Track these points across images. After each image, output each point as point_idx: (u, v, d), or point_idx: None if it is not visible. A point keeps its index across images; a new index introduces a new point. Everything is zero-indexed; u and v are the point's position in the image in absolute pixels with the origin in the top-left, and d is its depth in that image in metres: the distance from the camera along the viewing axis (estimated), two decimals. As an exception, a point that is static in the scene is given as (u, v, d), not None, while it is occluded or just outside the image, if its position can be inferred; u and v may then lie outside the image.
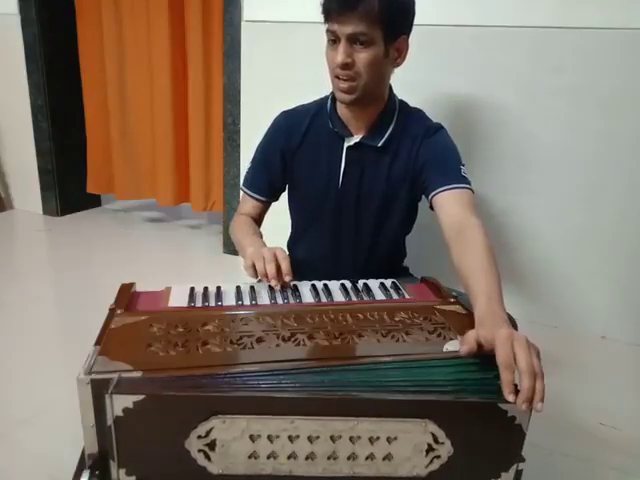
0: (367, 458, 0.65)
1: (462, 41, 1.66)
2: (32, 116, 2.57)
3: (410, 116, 1.13)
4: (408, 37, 1.04)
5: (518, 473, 0.69)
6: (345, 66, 0.98)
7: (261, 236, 1.15)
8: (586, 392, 1.43)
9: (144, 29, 2.32)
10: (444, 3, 1.65)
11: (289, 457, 0.65)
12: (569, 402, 1.36)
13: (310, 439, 0.64)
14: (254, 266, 0.93)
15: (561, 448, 1.19)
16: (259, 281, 0.95)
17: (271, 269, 0.90)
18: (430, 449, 0.65)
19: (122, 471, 0.64)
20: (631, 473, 1.13)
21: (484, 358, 0.67)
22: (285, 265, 0.91)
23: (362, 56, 0.97)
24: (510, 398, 0.61)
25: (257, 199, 1.20)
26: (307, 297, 0.89)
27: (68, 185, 2.72)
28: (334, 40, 0.99)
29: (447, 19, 1.66)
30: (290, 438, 0.63)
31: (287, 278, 0.91)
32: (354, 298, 0.89)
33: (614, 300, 1.71)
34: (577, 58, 1.57)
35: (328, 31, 0.99)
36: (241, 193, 1.25)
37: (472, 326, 0.72)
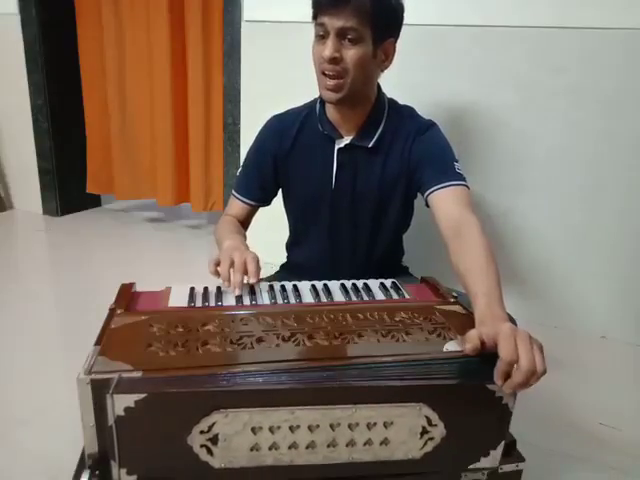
0: (365, 444, 0.66)
1: (462, 41, 1.66)
2: (32, 116, 2.57)
3: (401, 114, 1.12)
4: (395, 41, 1.04)
5: (518, 473, 0.69)
6: (333, 60, 0.97)
7: (245, 237, 1.13)
8: (586, 392, 1.43)
9: (144, 29, 2.33)
10: (444, 3, 1.65)
11: (290, 447, 0.65)
12: (569, 402, 1.36)
13: (310, 428, 0.64)
14: (218, 264, 0.90)
15: (561, 448, 1.18)
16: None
17: (237, 278, 0.87)
18: (424, 431, 0.67)
19: (123, 471, 0.64)
20: (631, 473, 1.13)
21: (485, 358, 0.67)
22: (252, 268, 0.89)
23: (351, 53, 0.97)
24: (499, 382, 0.64)
25: (246, 202, 1.19)
26: (307, 297, 0.89)
27: (68, 185, 2.72)
28: (322, 35, 0.98)
29: (447, 19, 1.65)
30: (291, 428, 0.64)
31: (252, 280, 0.88)
32: (354, 298, 0.89)
33: (614, 300, 1.71)
34: (577, 58, 1.57)
35: (317, 25, 0.98)
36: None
37: (472, 326, 0.72)
